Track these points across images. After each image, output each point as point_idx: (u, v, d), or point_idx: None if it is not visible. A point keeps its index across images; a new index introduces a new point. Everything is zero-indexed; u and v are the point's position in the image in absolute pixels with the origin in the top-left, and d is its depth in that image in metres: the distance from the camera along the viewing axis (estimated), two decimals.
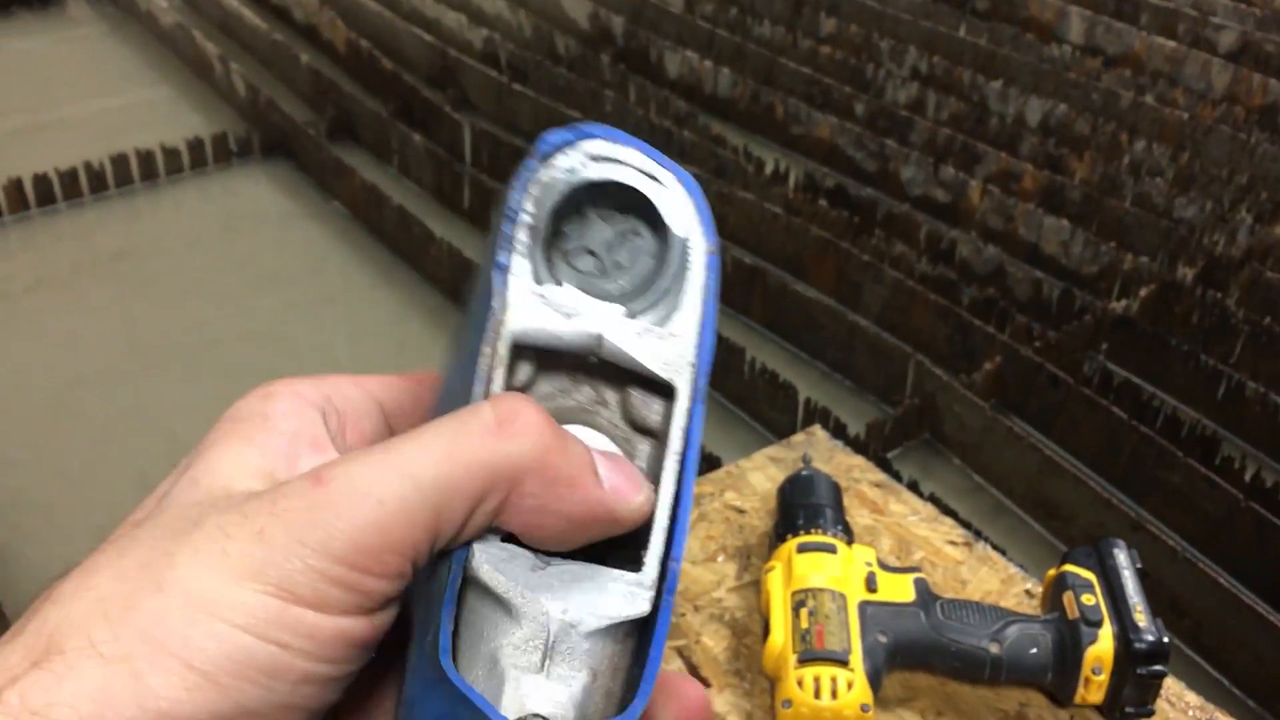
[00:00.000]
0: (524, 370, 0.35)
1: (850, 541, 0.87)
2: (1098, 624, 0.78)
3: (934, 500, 1.78)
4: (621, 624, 0.33)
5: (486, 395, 0.32)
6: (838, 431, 2.16)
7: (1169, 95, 3.41)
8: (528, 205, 0.34)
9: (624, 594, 0.33)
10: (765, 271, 2.66)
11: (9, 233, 2.94)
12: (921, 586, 0.83)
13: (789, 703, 0.75)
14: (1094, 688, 0.79)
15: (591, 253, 0.36)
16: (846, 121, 3.28)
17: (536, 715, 0.31)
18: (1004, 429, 2.19)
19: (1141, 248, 2.74)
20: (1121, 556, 0.83)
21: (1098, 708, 0.81)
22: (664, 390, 0.35)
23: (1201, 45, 3.64)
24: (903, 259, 2.67)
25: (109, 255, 2.88)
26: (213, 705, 0.26)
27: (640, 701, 0.31)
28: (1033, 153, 3.13)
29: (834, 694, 0.75)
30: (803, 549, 0.84)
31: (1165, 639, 0.77)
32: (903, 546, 0.95)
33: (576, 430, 0.35)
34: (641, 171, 0.34)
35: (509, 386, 0.34)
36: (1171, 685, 0.83)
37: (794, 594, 0.81)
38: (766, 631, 0.81)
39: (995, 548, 0.97)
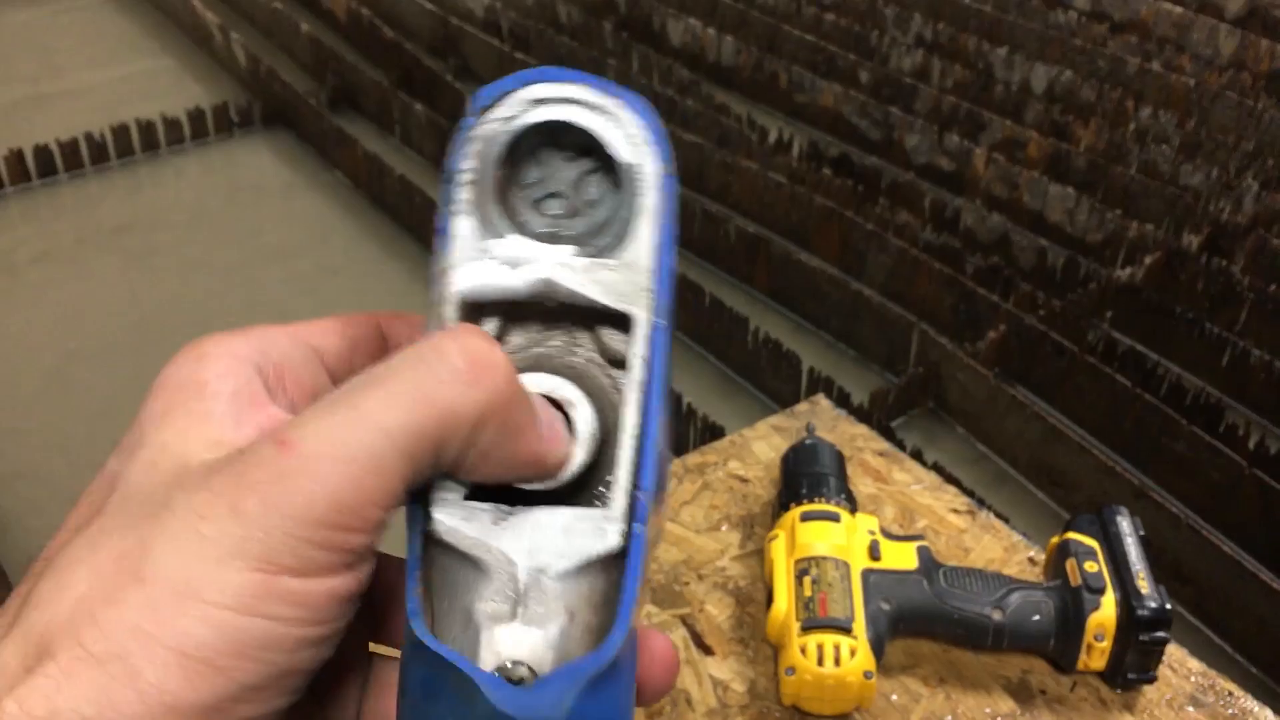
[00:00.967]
0: (490, 326, 0.35)
1: (854, 510, 0.87)
2: (1100, 591, 0.78)
3: (937, 469, 1.78)
4: (594, 561, 0.32)
5: None
6: (841, 401, 2.16)
7: (1175, 61, 3.40)
8: (464, 163, 0.34)
9: (591, 531, 0.32)
10: (769, 241, 2.66)
11: (10, 204, 2.93)
12: (924, 554, 0.83)
13: (792, 670, 0.76)
14: (1096, 654, 0.79)
15: (559, 195, 0.35)
16: (851, 89, 3.27)
17: (515, 662, 0.31)
18: (1008, 397, 2.19)
19: (1147, 215, 2.74)
20: (1124, 524, 0.83)
21: (1100, 674, 0.81)
22: (626, 321, 0.34)
23: (1208, 10, 3.62)
24: (907, 228, 2.67)
25: (111, 227, 2.88)
26: (215, 689, 0.26)
27: (618, 633, 0.31)
28: (1038, 120, 3.12)
29: (837, 661, 0.75)
30: (806, 517, 0.84)
31: (1168, 605, 0.77)
32: (906, 515, 0.95)
33: (525, 378, 0.34)
34: (587, 105, 0.34)
35: None
36: (1174, 652, 0.83)
37: (797, 562, 0.81)
38: (770, 600, 0.81)
39: (998, 516, 0.97)
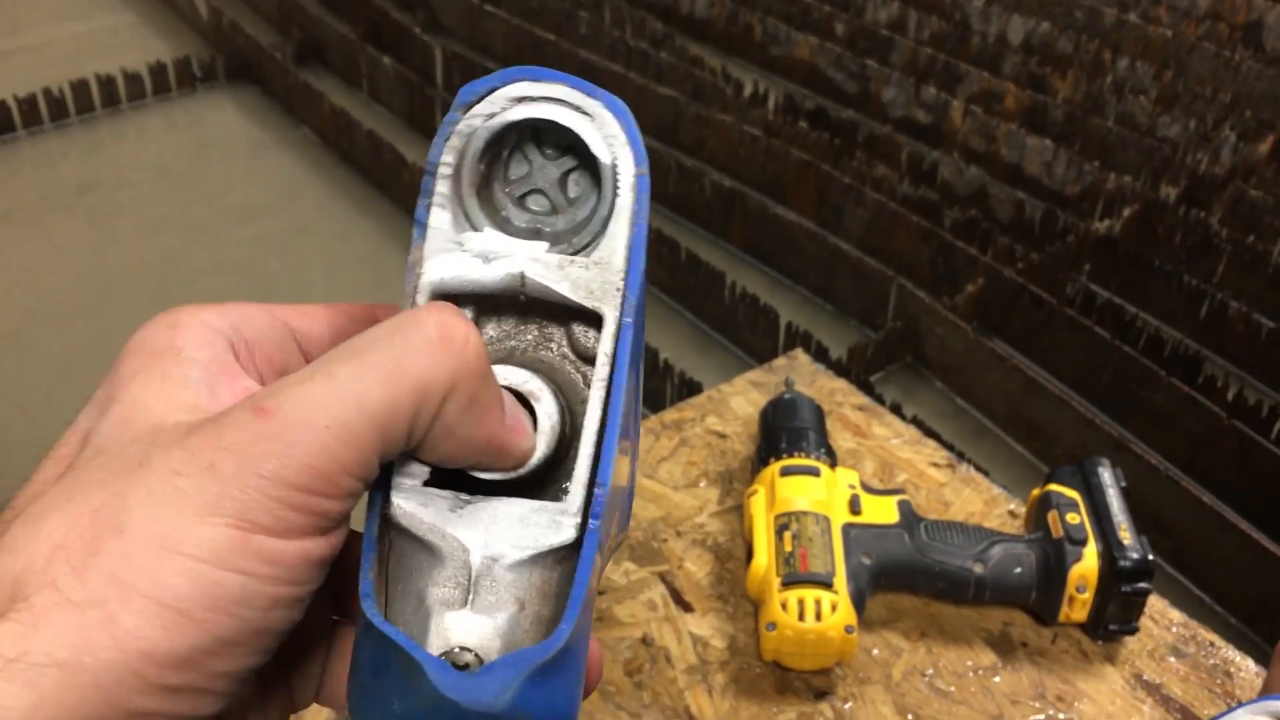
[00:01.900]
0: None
1: (833, 464, 0.86)
2: (1082, 542, 0.78)
3: (916, 423, 1.77)
4: (549, 552, 0.33)
5: None
6: (819, 355, 2.15)
7: (1152, 13, 3.40)
8: (445, 157, 0.35)
9: (547, 524, 0.33)
10: (745, 195, 2.64)
11: None
12: (905, 508, 0.83)
13: (773, 625, 0.75)
14: (1078, 606, 0.79)
15: (542, 192, 0.37)
16: (826, 42, 3.25)
17: (461, 648, 0.32)
18: (986, 351, 2.19)
19: (1124, 167, 2.73)
20: (1106, 475, 0.83)
21: (1081, 626, 0.81)
22: (596, 319, 0.35)
23: None
24: (884, 181, 2.66)
25: (72, 185, 2.83)
26: (190, 640, 0.27)
27: (566, 625, 0.31)
28: (1015, 72, 3.12)
29: (818, 616, 0.75)
30: (786, 472, 0.84)
31: (1150, 556, 0.77)
32: (886, 469, 0.95)
33: (498, 367, 0.35)
34: (567, 105, 0.35)
35: None
36: (1155, 603, 0.83)
37: (777, 517, 0.81)
38: (750, 555, 0.81)
39: (978, 469, 0.97)
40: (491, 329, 0.37)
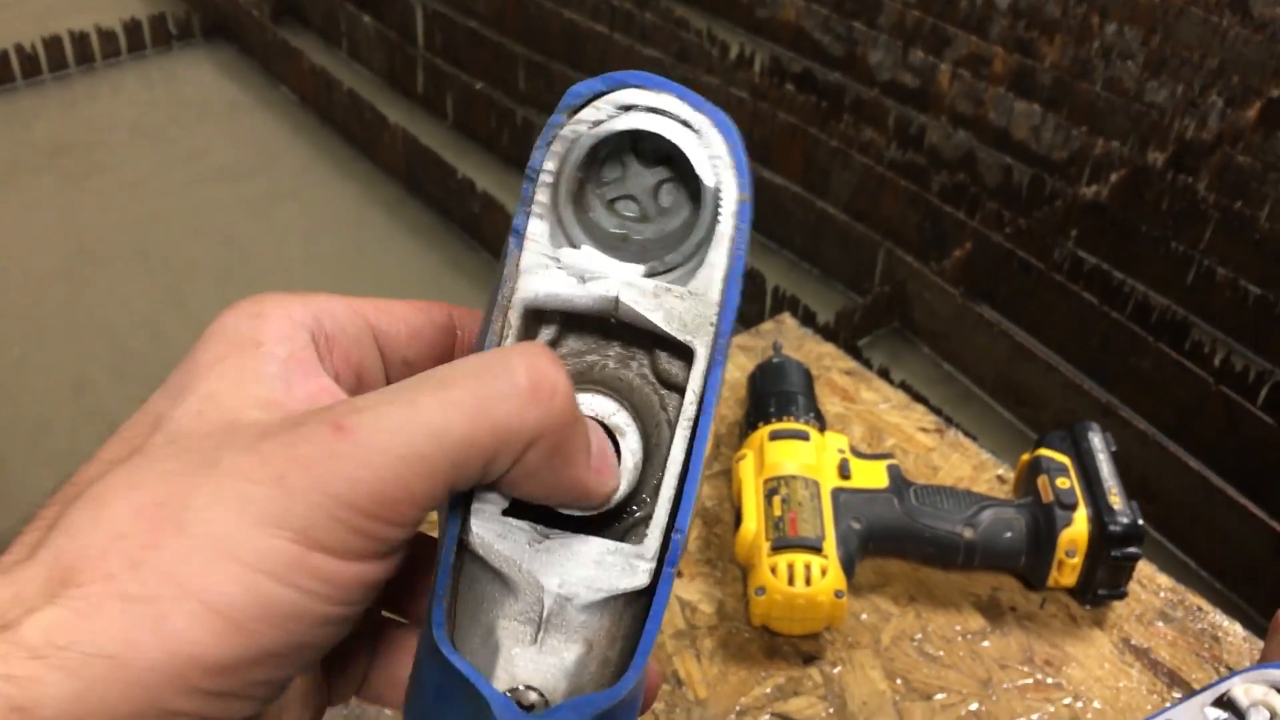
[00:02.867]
0: (548, 331, 0.35)
1: (823, 429, 0.86)
2: (1072, 507, 0.79)
3: (904, 388, 1.77)
4: (620, 595, 0.33)
5: None
6: (807, 320, 2.15)
7: None
8: (547, 164, 0.34)
9: (622, 566, 0.33)
10: None
11: None
12: (895, 473, 0.83)
13: (763, 590, 0.76)
14: (1067, 570, 0.79)
15: (634, 198, 0.36)
16: (813, 4, 3.23)
17: (527, 687, 0.32)
18: (974, 316, 2.19)
19: (1112, 132, 2.73)
20: (1096, 440, 0.84)
21: (1070, 591, 0.82)
22: (684, 351, 0.34)
23: None
24: (871, 145, 2.65)
25: (45, 145, 2.80)
26: (237, 649, 0.27)
27: (633, 674, 0.31)
28: (1003, 36, 3.11)
29: (808, 581, 0.75)
30: (775, 436, 0.84)
31: (1140, 521, 0.78)
32: (874, 434, 0.95)
33: (581, 398, 0.34)
34: (674, 117, 0.34)
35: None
36: (1143, 568, 0.84)
37: (766, 482, 0.81)
38: (738, 520, 0.81)
39: (966, 434, 0.97)
40: (574, 342, 0.36)
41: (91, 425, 1.93)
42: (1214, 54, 3.04)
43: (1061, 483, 0.80)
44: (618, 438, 0.34)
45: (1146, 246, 2.40)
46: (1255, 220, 2.42)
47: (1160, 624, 0.81)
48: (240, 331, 0.32)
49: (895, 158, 2.62)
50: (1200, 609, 0.82)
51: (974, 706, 0.75)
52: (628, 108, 0.34)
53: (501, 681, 0.32)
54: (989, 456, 0.94)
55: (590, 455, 0.32)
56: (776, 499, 0.79)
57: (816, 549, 0.76)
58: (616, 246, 0.35)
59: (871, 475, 0.83)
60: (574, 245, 0.34)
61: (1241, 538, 1.78)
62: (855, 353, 2.13)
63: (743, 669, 0.77)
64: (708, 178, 0.33)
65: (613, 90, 0.34)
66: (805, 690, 0.76)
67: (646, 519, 0.34)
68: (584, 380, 0.35)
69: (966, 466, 0.92)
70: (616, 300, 0.34)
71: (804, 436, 0.83)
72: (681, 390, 0.34)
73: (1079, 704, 0.76)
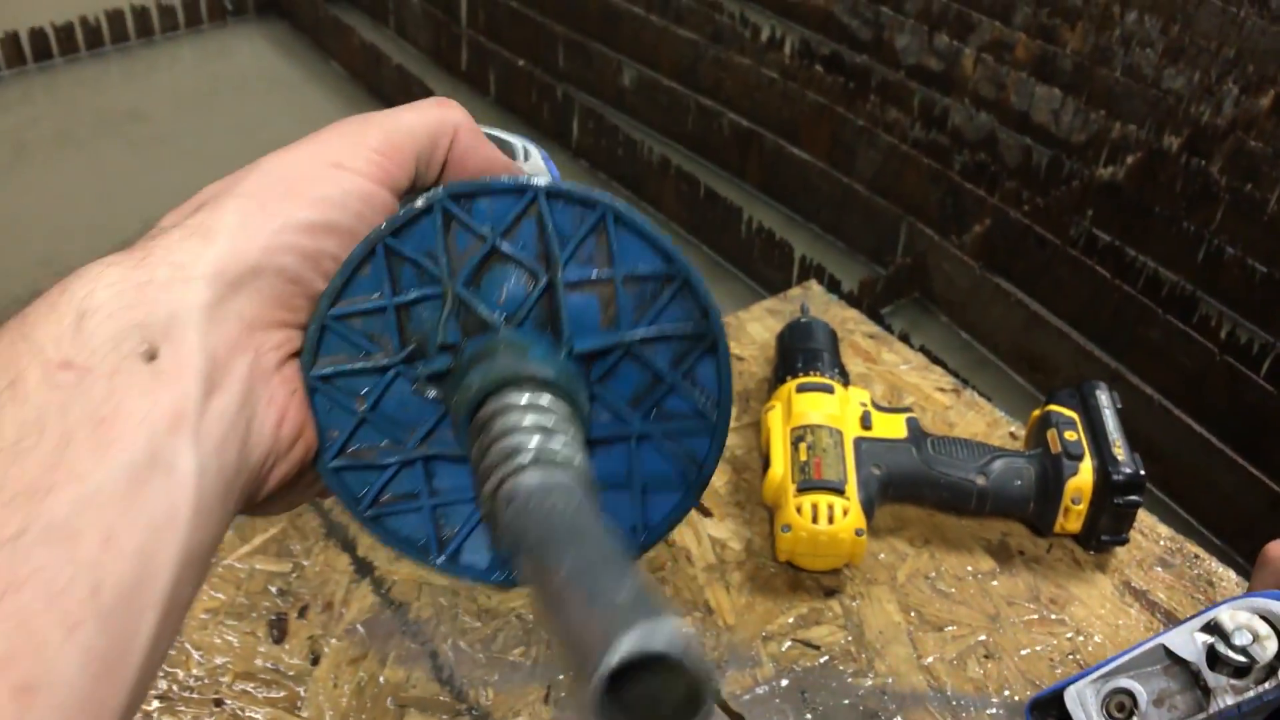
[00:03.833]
0: None
1: (846, 384, 0.89)
2: (1079, 458, 0.81)
3: (924, 353, 1.85)
4: None
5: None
6: (831, 288, 2.19)
7: None
8: None
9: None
10: (761, 136, 2.70)
11: (7, 87, 2.93)
12: (913, 424, 0.85)
13: (788, 527, 0.78)
14: (1073, 517, 0.82)
15: None
16: None
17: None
18: (991, 287, 2.26)
19: (1129, 117, 2.78)
20: (1103, 396, 0.86)
21: (1075, 537, 0.84)
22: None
23: None
24: (896, 125, 2.71)
25: (108, 113, 2.88)
26: (321, 217, 0.38)
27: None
28: (1026, 23, 3.14)
29: (830, 519, 0.77)
30: (802, 389, 0.86)
31: (1142, 471, 0.80)
32: (894, 393, 0.97)
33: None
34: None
35: None
36: (1144, 517, 0.85)
37: (793, 430, 0.83)
38: (766, 465, 0.83)
39: (981, 395, 1.01)
40: None
41: None
42: (1231, 43, 3.07)
43: (1069, 435, 0.82)
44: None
45: (1159, 225, 2.45)
46: (1265, 203, 2.46)
47: (1159, 569, 0.83)
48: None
49: (919, 137, 2.67)
50: (1197, 556, 0.84)
51: (982, 638, 0.77)
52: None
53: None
54: (1002, 415, 0.96)
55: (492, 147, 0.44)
56: (803, 445, 0.81)
57: (839, 491, 0.78)
58: None
59: (891, 426, 0.85)
60: None
61: (1240, 495, 1.85)
62: (878, 320, 2.16)
63: (768, 600, 0.79)
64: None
65: None
66: (826, 620, 0.78)
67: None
68: None
69: (981, 423, 0.94)
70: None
71: (829, 390, 0.85)
72: None
73: (1080, 638, 0.77)
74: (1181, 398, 2.07)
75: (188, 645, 0.74)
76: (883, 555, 0.83)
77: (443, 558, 0.44)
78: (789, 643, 0.77)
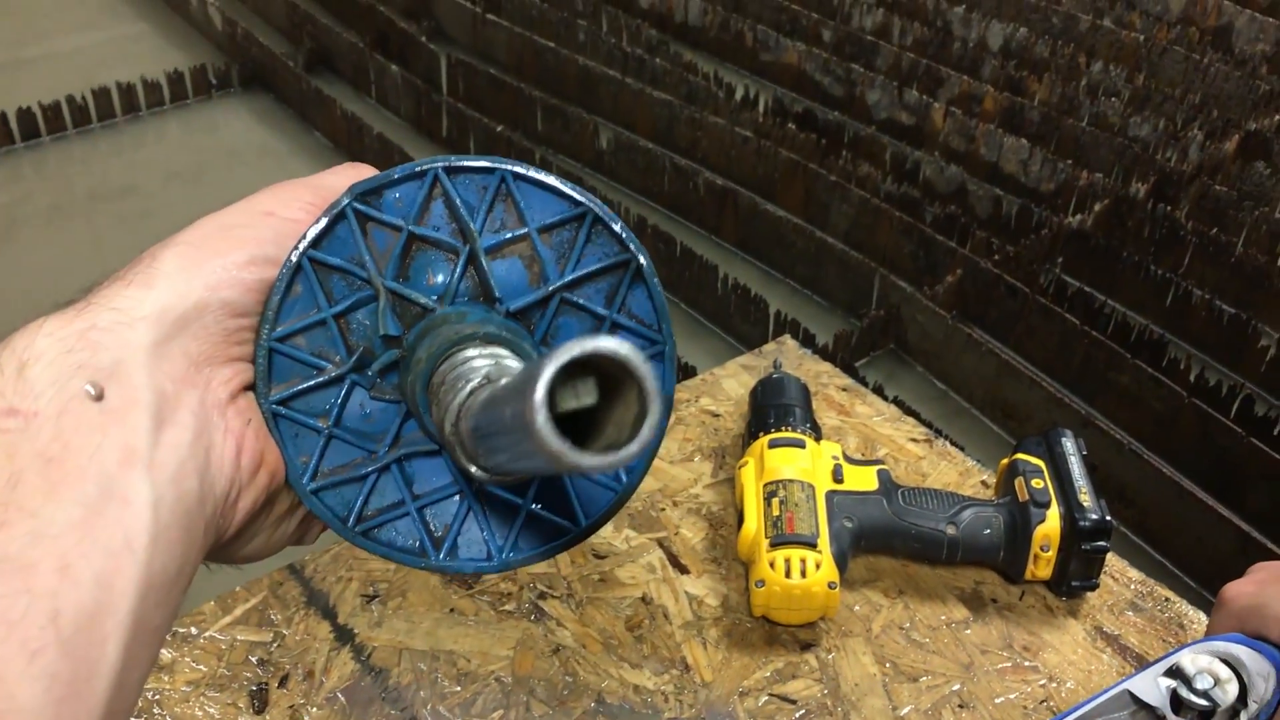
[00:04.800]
0: None
1: (818, 438, 0.90)
2: (1046, 505, 0.82)
3: (898, 404, 1.86)
4: None
5: None
6: (806, 342, 2.22)
7: (1126, 18, 3.47)
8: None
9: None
10: (736, 193, 2.73)
11: None
12: (884, 477, 0.87)
13: (762, 582, 0.79)
14: (1043, 564, 0.83)
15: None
16: (814, 48, 3.33)
17: None
18: (964, 337, 2.28)
19: (1097, 165, 2.82)
20: (1069, 444, 0.88)
21: (1046, 583, 0.85)
22: None
23: None
24: (868, 179, 2.74)
25: (94, 190, 2.91)
26: (246, 255, 0.41)
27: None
28: (994, 75, 3.19)
29: (803, 573, 0.78)
30: (774, 444, 0.87)
31: (1108, 517, 0.81)
32: (867, 444, 0.98)
33: None
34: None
35: None
36: (1114, 561, 0.87)
37: (766, 485, 0.84)
38: (741, 521, 0.84)
39: (954, 445, 1.02)
40: None
41: None
42: (1195, 89, 3.11)
43: (1036, 483, 0.84)
44: None
45: (1128, 270, 2.48)
46: (1232, 245, 2.50)
47: (1130, 613, 0.84)
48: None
49: (891, 191, 2.70)
50: (1168, 599, 0.85)
51: (956, 687, 0.78)
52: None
53: None
54: (974, 464, 0.97)
55: None
56: (775, 500, 0.82)
57: (812, 545, 0.79)
58: None
59: (862, 479, 0.86)
60: None
61: (1212, 537, 1.87)
62: (852, 372, 2.20)
63: (745, 655, 0.80)
64: None
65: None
66: (802, 674, 0.79)
67: None
68: None
69: (953, 473, 0.96)
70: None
71: (800, 444, 0.87)
72: None
73: (1053, 684, 0.78)
74: (1152, 441, 2.10)
75: (169, 718, 0.75)
76: (857, 607, 0.84)
77: (441, 555, 0.44)
78: (765, 697, 0.77)
